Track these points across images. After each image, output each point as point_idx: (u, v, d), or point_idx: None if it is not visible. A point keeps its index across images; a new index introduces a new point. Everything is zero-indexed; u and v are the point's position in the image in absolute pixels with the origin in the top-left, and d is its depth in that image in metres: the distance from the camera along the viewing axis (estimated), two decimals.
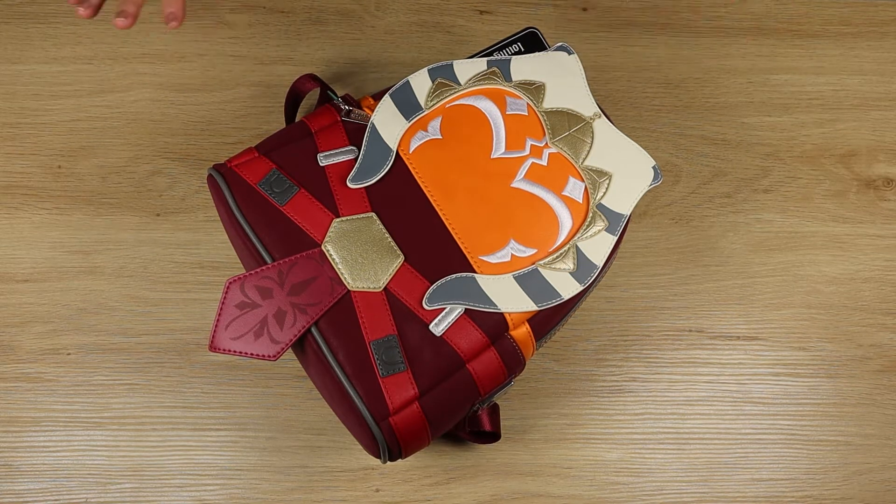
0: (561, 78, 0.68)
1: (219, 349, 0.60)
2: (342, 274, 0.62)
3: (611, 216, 0.65)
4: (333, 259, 0.62)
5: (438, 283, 0.62)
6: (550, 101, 0.67)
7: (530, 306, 0.63)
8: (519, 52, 0.73)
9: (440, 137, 0.66)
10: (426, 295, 0.62)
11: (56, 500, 0.74)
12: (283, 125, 0.81)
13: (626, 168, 0.66)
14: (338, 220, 0.63)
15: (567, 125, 0.67)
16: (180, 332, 0.77)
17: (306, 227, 0.63)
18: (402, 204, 0.64)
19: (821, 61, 0.86)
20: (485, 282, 0.63)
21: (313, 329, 0.61)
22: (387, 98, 0.67)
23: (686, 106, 0.85)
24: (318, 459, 0.75)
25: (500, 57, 0.69)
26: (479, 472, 0.76)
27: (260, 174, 0.65)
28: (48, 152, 0.81)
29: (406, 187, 0.65)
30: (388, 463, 0.74)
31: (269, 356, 0.60)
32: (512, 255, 0.64)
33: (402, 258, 0.63)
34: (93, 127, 0.82)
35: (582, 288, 0.63)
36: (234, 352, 0.60)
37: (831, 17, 0.88)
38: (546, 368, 0.78)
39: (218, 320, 0.61)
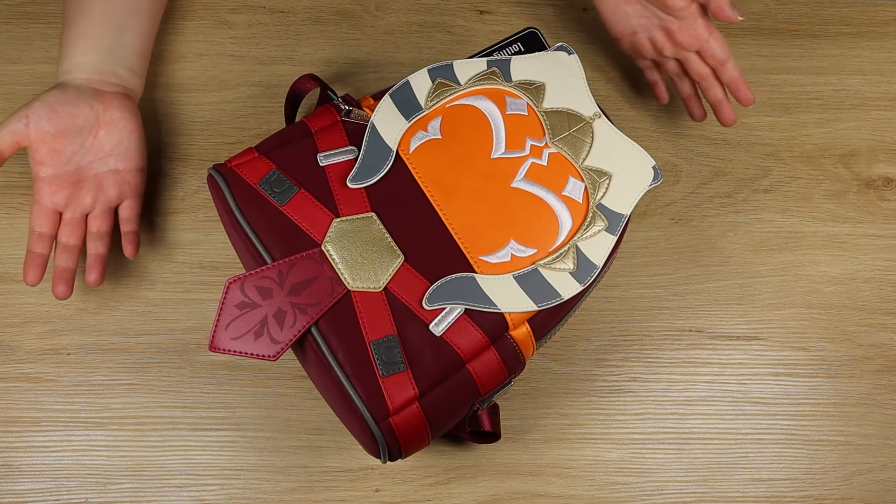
0: (561, 78, 0.68)
1: (219, 349, 0.60)
2: (342, 274, 0.62)
3: (611, 216, 0.65)
4: (333, 259, 0.62)
5: (438, 283, 0.62)
6: (550, 101, 0.67)
7: (530, 306, 0.63)
8: (519, 52, 0.73)
9: (440, 137, 0.66)
10: (426, 295, 0.62)
11: (56, 500, 0.74)
12: (283, 125, 0.81)
13: (625, 168, 0.66)
14: (338, 220, 0.63)
15: (567, 125, 0.67)
16: (180, 332, 0.77)
17: (306, 227, 0.63)
18: (402, 204, 0.64)
19: (821, 61, 0.86)
20: (485, 282, 0.63)
21: (313, 329, 0.61)
22: (387, 98, 0.67)
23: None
24: (318, 459, 0.75)
25: (500, 57, 0.69)
26: (479, 472, 0.76)
27: (260, 174, 0.65)
28: None
29: (406, 187, 0.65)
30: (388, 463, 0.74)
31: (269, 356, 0.60)
32: (512, 255, 0.64)
33: (401, 258, 0.63)
34: None
35: (582, 288, 0.63)
36: (234, 352, 0.60)
37: (831, 17, 0.88)
38: (546, 368, 0.78)
39: (218, 320, 0.61)
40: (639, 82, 0.85)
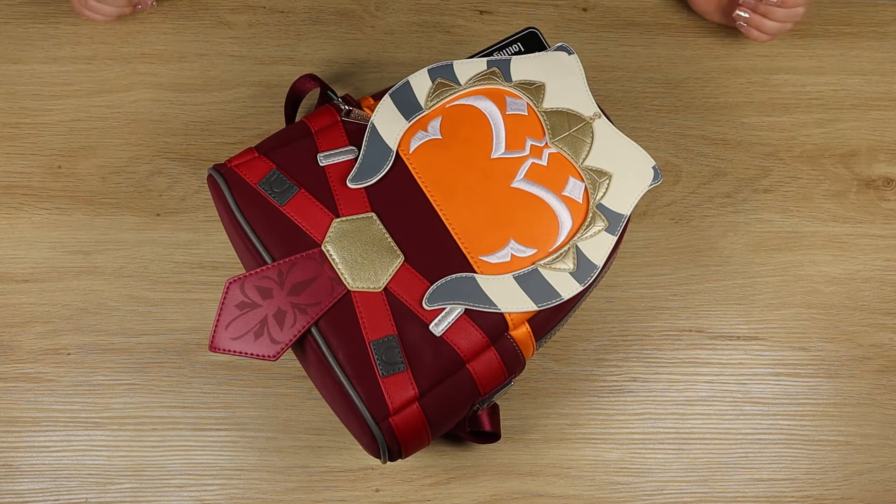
0: (561, 78, 0.68)
1: (219, 349, 0.60)
2: (342, 274, 0.62)
3: (611, 216, 0.65)
4: (333, 259, 0.62)
5: (438, 283, 0.62)
6: (550, 101, 0.67)
7: (530, 306, 0.63)
8: (519, 52, 0.73)
9: (440, 137, 0.66)
10: (426, 295, 0.62)
11: (56, 500, 0.74)
12: (283, 125, 0.81)
13: (626, 168, 0.66)
14: (338, 220, 0.63)
15: (567, 125, 0.67)
16: (180, 332, 0.77)
17: (306, 227, 0.63)
18: (402, 204, 0.64)
19: (821, 61, 0.86)
20: (485, 282, 0.63)
21: (313, 329, 0.61)
22: (387, 98, 0.67)
23: (686, 106, 0.85)
24: (318, 459, 0.75)
25: (500, 57, 0.69)
26: (479, 472, 0.76)
27: (260, 174, 0.65)
28: (48, 152, 0.81)
29: (406, 187, 0.65)
30: (388, 463, 0.74)
31: (269, 356, 0.60)
32: (512, 255, 0.64)
33: (402, 258, 0.63)
34: (93, 127, 0.82)
35: (582, 288, 0.63)
36: (234, 352, 0.60)
37: (831, 17, 0.88)
38: (546, 368, 0.78)
39: (218, 320, 0.61)
40: (639, 82, 0.85)
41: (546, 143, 0.66)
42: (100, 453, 0.75)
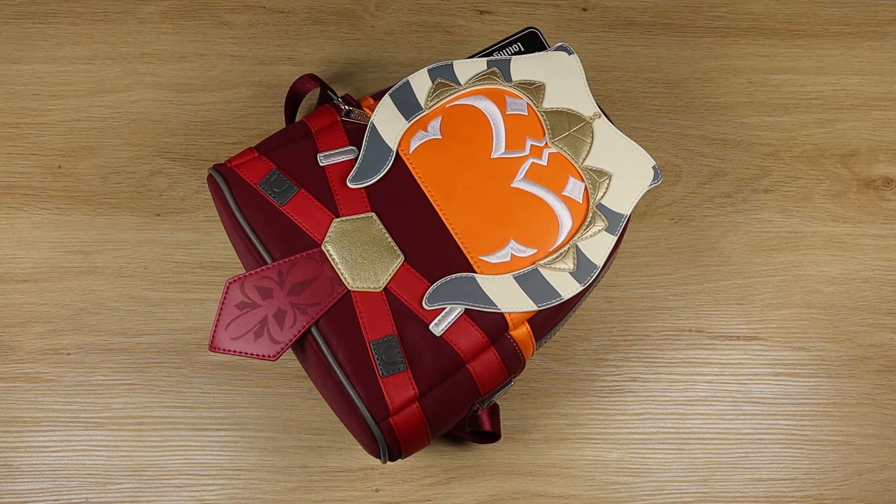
0: (561, 78, 0.68)
1: (219, 349, 0.60)
2: (342, 274, 0.62)
3: (611, 216, 0.65)
4: (333, 259, 0.62)
5: (438, 283, 0.62)
6: (550, 101, 0.67)
7: (530, 306, 0.63)
8: (519, 52, 0.73)
9: (440, 137, 0.66)
10: (426, 295, 0.62)
11: (56, 500, 0.74)
12: (283, 125, 0.81)
13: (626, 168, 0.66)
14: (338, 220, 0.63)
15: (567, 125, 0.67)
16: (180, 332, 0.77)
17: (306, 227, 0.63)
18: (402, 204, 0.64)
19: (821, 61, 0.86)
20: (485, 282, 0.63)
21: (313, 329, 0.61)
22: (387, 98, 0.67)
23: (686, 106, 0.85)
24: (318, 459, 0.75)
25: (500, 57, 0.69)
26: (479, 472, 0.76)
27: (260, 174, 0.65)
28: (48, 152, 0.81)
29: (406, 187, 0.65)
30: (388, 463, 0.74)
31: (269, 356, 0.60)
32: (512, 255, 0.64)
33: (401, 258, 0.63)
34: (93, 127, 0.82)
35: (582, 288, 0.63)
36: (234, 352, 0.60)
37: (831, 17, 0.88)
38: (546, 368, 0.78)
39: (218, 320, 0.61)
40: (639, 82, 0.85)
41: (546, 143, 0.66)
42: (100, 453, 0.75)
